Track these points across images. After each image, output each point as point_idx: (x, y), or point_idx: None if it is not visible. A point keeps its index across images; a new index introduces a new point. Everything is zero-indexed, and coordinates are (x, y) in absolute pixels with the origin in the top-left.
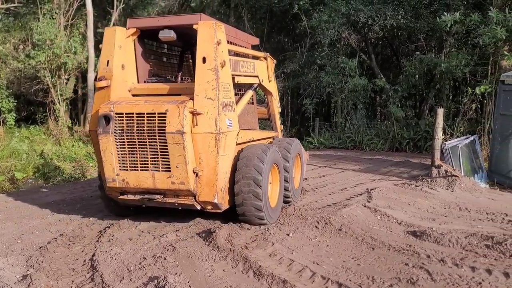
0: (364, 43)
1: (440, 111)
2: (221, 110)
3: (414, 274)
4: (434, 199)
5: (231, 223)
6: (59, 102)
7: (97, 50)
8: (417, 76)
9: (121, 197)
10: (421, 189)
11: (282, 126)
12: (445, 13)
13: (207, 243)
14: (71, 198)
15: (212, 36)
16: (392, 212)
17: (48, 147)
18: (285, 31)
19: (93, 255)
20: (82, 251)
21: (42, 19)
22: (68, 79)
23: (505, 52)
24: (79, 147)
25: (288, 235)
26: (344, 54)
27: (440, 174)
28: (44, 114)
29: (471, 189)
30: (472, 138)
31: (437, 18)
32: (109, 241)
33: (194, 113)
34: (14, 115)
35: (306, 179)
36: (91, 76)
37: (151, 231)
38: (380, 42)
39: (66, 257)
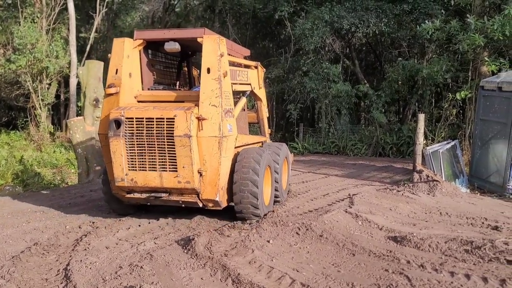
0: (348, 49)
1: (422, 117)
2: (224, 116)
3: (393, 280)
4: (415, 204)
5: (211, 230)
6: (40, 108)
7: (80, 55)
8: (400, 82)
9: (128, 195)
10: (402, 194)
11: (270, 130)
12: (426, 21)
13: (185, 251)
14: (49, 205)
15: (216, 49)
16: (373, 218)
17: (29, 153)
18: (270, 36)
19: (68, 265)
20: (57, 260)
21: (23, 23)
22: (50, 84)
23: (485, 58)
24: (60, 153)
25: (268, 241)
26: (328, 60)
27: (422, 179)
28: (25, 119)
29: (452, 193)
30: (453, 143)
31: (418, 26)
32: (85, 249)
33: (199, 119)
34: None
35: (289, 184)
36: (73, 81)
37: (129, 239)
38: (364, 48)
39: (39, 267)
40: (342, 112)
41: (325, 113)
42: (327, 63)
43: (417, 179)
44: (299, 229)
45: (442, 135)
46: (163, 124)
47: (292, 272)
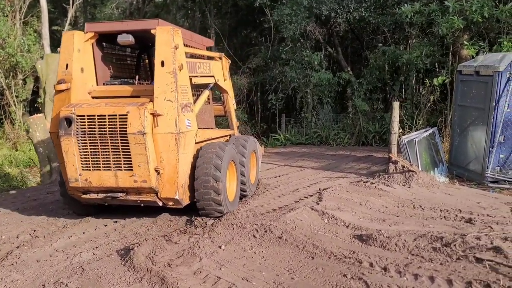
0: (330, 37)
1: (396, 105)
2: (180, 111)
3: (351, 287)
4: (388, 197)
5: (159, 236)
6: (15, 104)
7: (53, 48)
8: (381, 68)
9: (84, 196)
10: (375, 187)
11: (238, 122)
12: (405, 4)
13: (123, 263)
14: None
15: (170, 40)
16: (340, 214)
17: (3, 152)
18: (252, 25)
19: None
20: None
21: None
22: (24, 80)
23: (465, 42)
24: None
25: (220, 247)
26: (309, 48)
27: (397, 170)
28: None
29: (428, 184)
30: (431, 130)
31: (397, 9)
32: (12, 264)
33: (154, 115)
34: None
35: (258, 181)
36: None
37: (67, 250)
38: (350, 35)
39: None
40: (324, 101)
41: (306, 102)
42: (307, 51)
43: (393, 170)
44: (257, 231)
45: (421, 123)
46: (116, 121)
47: (240, 282)
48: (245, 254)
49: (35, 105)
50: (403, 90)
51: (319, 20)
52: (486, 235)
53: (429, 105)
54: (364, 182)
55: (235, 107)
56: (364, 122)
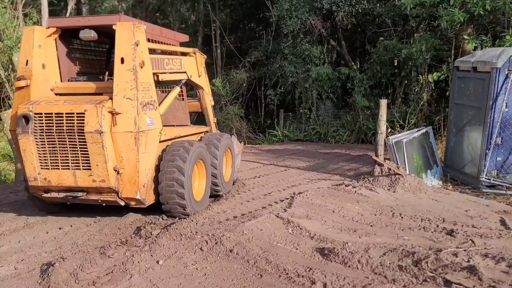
0: (335, 30)
1: (383, 102)
2: (141, 109)
3: None
4: (367, 204)
5: (94, 248)
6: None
7: None
8: (383, 63)
9: (45, 195)
10: (355, 192)
11: (215, 119)
12: None
13: (40, 281)
14: None
15: (130, 37)
16: (307, 223)
17: (1, 145)
18: (256, 19)
19: None
20: None
21: None
22: None
23: (465, 36)
24: None
25: (158, 262)
26: (311, 42)
27: (383, 173)
28: None
29: (415, 189)
30: (425, 130)
31: (396, 1)
32: None
33: (113, 113)
34: None
35: (235, 182)
36: None
37: None
38: (357, 29)
39: None
40: (323, 96)
41: (305, 98)
42: (306, 45)
43: (378, 173)
44: (207, 243)
45: (413, 122)
46: (73, 120)
47: None
48: (184, 270)
49: None
50: (407, 87)
51: (322, 14)
52: (464, 250)
53: (421, 103)
54: (346, 186)
55: (212, 103)
56: (365, 119)
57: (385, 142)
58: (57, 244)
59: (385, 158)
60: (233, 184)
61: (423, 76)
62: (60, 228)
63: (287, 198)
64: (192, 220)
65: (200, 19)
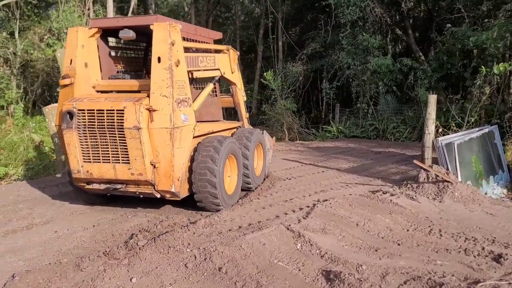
0: (401, 18)
1: (432, 98)
2: (176, 106)
3: None
4: (402, 216)
5: (72, 259)
6: None
7: None
8: (451, 53)
9: (88, 186)
10: (391, 201)
11: (248, 114)
12: None
13: None
14: None
15: (166, 37)
16: (321, 239)
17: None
18: (316, 9)
19: None
20: None
21: (62, 7)
22: None
23: None
24: None
25: (131, 280)
26: (370, 31)
27: (429, 179)
28: None
29: (467, 199)
30: (488, 129)
31: None
32: None
33: (150, 110)
34: (22, 105)
35: (266, 177)
36: None
37: None
38: (429, 16)
39: None
40: (383, 90)
41: (363, 91)
42: (364, 34)
43: (424, 179)
44: (195, 258)
45: (473, 120)
46: (114, 116)
47: None
48: None
49: None
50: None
51: (384, 1)
52: (509, 284)
53: (484, 98)
54: (382, 193)
55: (245, 99)
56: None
57: (433, 143)
58: (42, 251)
59: (433, 163)
60: (265, 179)
61: (482, 67)
62: (55, 232)
63: (308, 206)
64: (189, 230)
65: (262, 11)
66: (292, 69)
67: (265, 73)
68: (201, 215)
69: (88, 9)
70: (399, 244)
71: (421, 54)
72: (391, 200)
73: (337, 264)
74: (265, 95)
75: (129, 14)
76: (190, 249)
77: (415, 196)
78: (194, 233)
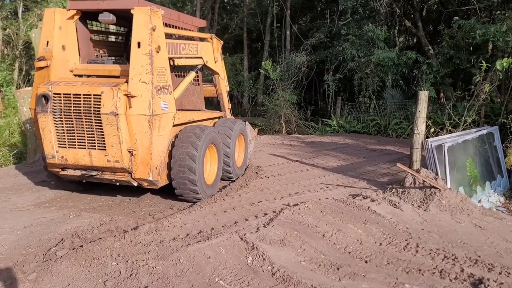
0: (411, 9)
1: (423, 95)
2: (155, 93)
3: None
4: (378, 226)
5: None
6: None
7: None
8: (458, 47)
9: (62, 172)
10: (369, 208)
11: (230, 104)
12: None
13: None
14: None
15: (147, 21)
16: (276, 252)
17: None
18: None
19: None
20: None
21: None
22: None
23: None
24: None
25: None
26: (379, 21)
27: (416, 184)
28: None
29: (455, 208)
30: (486, 130)
31: None
32: None
33: (128, 96)
34: (14, 88)
35: (247, 167)
36: None
37: None
38: (438, 8)
39: None
40: (387, 84)
41: (365, 85)
42: (370, 25)
43: (410, 183)
44: (119, 273)
45: (470, 120)
46: (90, 101)
47: None
48: None
49: None
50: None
51: None
52: None
53: (483, 96)
54: (363, 198)
55: (228, 89)
56: (433, 111)
57: (422, 145)
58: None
59: (422, 166)
60: (245, 170)
61: (483, 63)
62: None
63: (274, 212)
64: (125, 237)
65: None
66: (295, 59)
67: (263, 62)
68: (153, 217)
69: None
70: (366, 262)
71: (430, 48)
72: (369, 207)
73: (288, 286)
74: (266, 85)
75: None
76: (116, 263)
77: (399, 203)
78: (130, 242)
